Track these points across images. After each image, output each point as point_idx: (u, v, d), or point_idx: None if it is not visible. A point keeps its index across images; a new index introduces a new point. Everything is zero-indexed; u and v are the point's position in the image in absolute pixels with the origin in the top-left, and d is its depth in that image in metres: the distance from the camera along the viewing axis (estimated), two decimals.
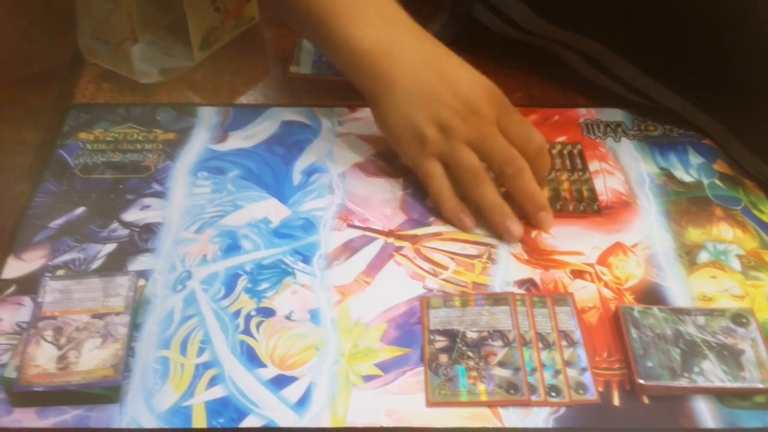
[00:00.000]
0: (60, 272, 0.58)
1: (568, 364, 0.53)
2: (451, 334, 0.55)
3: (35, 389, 0.50)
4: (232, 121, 0.71)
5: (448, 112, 0.59)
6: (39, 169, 0.66)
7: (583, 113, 0.73)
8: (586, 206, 0.64)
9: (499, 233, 0.61)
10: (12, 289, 0.57)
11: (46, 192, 0.64)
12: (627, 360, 0.53)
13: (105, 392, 0.51)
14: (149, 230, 0.62)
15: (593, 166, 0.67)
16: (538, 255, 0.61)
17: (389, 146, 0.64)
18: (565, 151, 0.68)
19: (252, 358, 0.53)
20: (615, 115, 0.73)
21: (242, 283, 0.58)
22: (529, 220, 0.62)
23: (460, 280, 0.59)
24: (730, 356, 0.52)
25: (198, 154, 0.68)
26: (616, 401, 0.52)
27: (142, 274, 0.58)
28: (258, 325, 0.55)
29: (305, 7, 0.61)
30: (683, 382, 0.51)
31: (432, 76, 0.60)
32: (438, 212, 0.63)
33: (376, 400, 0.51)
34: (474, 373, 0.52)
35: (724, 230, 0.62)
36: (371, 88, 0.62)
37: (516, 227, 0.61)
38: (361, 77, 0.62)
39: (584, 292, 0.58)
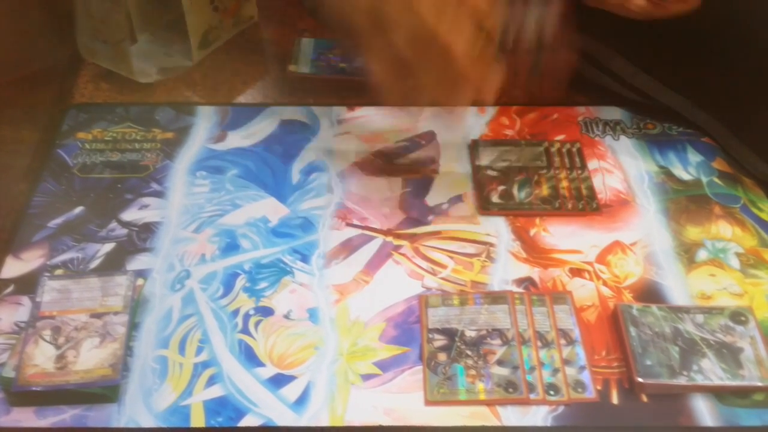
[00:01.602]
0: (58, 272, 0.58)
1: (566, 362, 0.53)
2: (449, 333, 0.54)
3: (34, 389, 0.50)
4: (230, 120, 0.71)
5: None
6: (38, 169, 0.66)
7: (582, 111, 0.73)
8: (585, 204, 0.64)
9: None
10: (10, 288, 0.57)
11: (44, 191, 0.64)
12: (626, 358, 0.53)
13: (103, 392, 0.51)
14: (148, 229, 0.61)
15: (592, 164, 0.67)
16: (536, 253, 0.61)
17: (388, 145, 0.63)
18: (564, 150, 0.68)
19: (250, 357, 0.53)
20: (614, 113, 0.72)
21: (241, 282, 0.58)
22: None
23: (459, 278, 0.59)
24: (729, 354, 0.52)
25: (197, 154, 0.68)
26: (615, 399, 0.52)
27: (141, 274, 0.58)
28: (256, 324, 0.55)
29: None
30: (682, 381, 0.51)
31: None
32: (438, 211, 0.63)
33: (374, 398, 0.51)
34: (473, 372, 0.52)
35: (723, 228, 0.62)
36: None
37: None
38: None
39: (583, 290, 0.58)
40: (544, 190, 0.65)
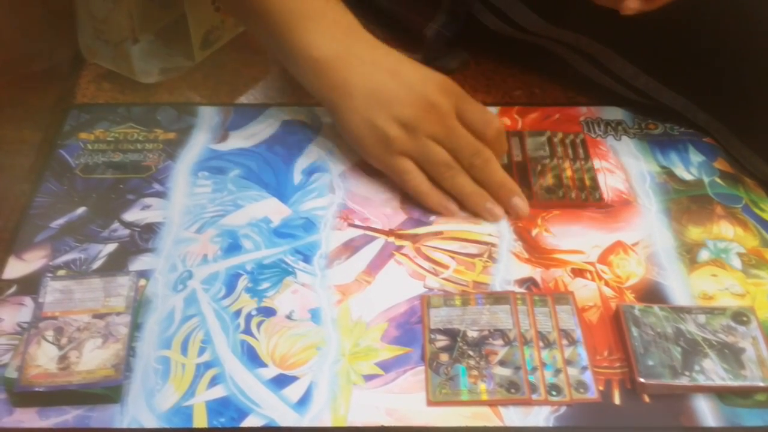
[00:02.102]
0: (61, 272, 0.58)
1: (568, 362, 0.53)
2: (451, 333, 0.55)
3: (36, 389, 0.50)
4: (232, 120, 0.71)
5: (408, 109, 0.60)
6: (40, 169, 0.66)
7: (584, 111, 0.73)
8: (588, 194, 0.64)
9: (482, 217, 0.62)
10: (13, 289, 0.57)
11: (46, 192, 0.64)
12: (628, 358, 0.53)
13: (106, 392, 0.51)
14: (150, 230, 0.62)
15: (594, 164, 0.67)
16: (538, 254, 0.61)
17: None
18: (567, 141, 0.69)
19: (253, 358, 0.53)
20: (615, 113, 0.73)
21: (243, 282, 0.58)
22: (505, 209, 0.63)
23: (461, 279, 0.59)
24: (731, 354, 0.52)
25: (198, 154, 0.68)
26: (617, 400, 0.52)
27: (143, 274, 0.58)
28: (259, 324, 0.55)
29: (262, 13, 0.62)
30: (684, 381, 0.51)
31: (386, 77, 0.61)
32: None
33: (376, 399, 0.51)
34: (475, 372, 0.52)
35: (725, 228, 0.62)
36: (329, 95, 0.62)
37: (497, 208, 0.62)
38: (319, 85, 0.62)
39: (585, 290, 0.58)
40: (548, 180, 0.65)
